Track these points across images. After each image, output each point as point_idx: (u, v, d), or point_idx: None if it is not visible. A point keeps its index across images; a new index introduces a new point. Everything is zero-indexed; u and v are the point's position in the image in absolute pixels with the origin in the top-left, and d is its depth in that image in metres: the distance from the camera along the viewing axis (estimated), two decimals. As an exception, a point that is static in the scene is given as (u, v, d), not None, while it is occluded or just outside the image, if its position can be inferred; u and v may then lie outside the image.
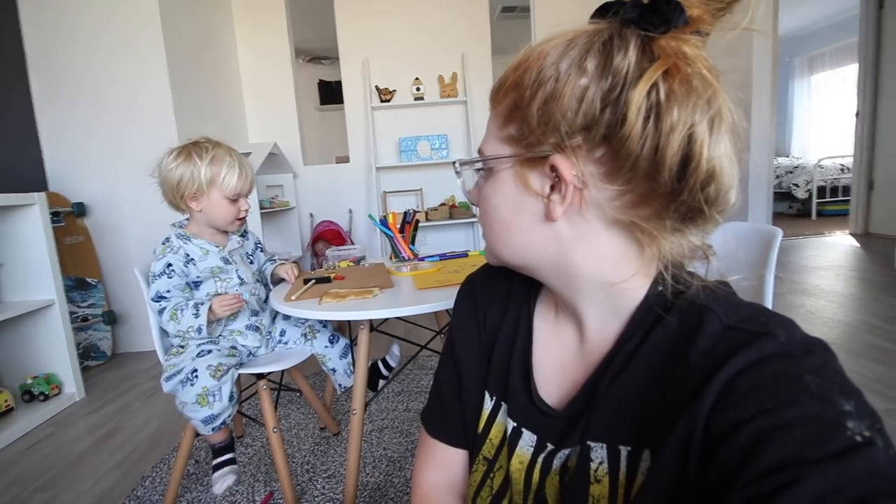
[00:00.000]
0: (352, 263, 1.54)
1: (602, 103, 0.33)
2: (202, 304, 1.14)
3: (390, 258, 1.60)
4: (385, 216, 1.59)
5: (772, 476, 0.25)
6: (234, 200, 1.19)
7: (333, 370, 1.32)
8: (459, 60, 3.44)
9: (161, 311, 1.15)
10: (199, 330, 1.13)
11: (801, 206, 5.72)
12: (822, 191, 5.52)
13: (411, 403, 1.74)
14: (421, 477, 0.55)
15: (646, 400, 0.35)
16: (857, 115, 4.27)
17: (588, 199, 0.36)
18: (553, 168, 0.36)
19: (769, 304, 0.74)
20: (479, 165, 0.42)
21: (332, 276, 1.31)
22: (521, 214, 0.39)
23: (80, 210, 2.43)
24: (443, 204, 3.44)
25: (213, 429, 1.09)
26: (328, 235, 3.32)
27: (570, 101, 0.33)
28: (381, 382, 1.38)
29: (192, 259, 1.18)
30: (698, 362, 0.32)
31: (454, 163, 0.46)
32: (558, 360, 0.45)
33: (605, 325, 0.41)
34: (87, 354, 2.38)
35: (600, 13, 0.36)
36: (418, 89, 3.43)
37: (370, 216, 1.64)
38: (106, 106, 2.45)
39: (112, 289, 2.55)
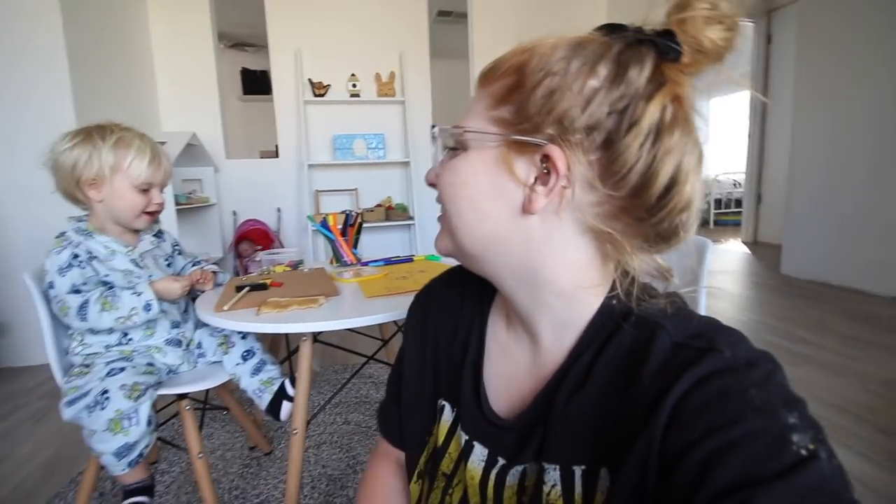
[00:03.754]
0: (289, 268, 1.44)
1: (610, 108, 0.33)
2: (137, 283, 1.00)
3: (331, 262, 1.52)
4: (325, 217, 1.50)
5: (723, 499, 0.26)
6: (144, 192, 1.04)
7: (244, 391, 1.15)
8: (397, 59, 3.39)
9: (83, 307, 0.97)
10: (148, 307, 0.99)
11: (700, 216, 6.35)
12: (718, 202, 6.20)
13: (350, 416, 1.66)
14: (373, 464, 0.59)
15: (600, 416, 0.35)
16: (749, 136, 4.83)
17: (569, 200, 0.36)
18: (545, 158, 0.35)
19: (701, 312, 0.79)
20: (462, 136, 0.40)
21: (269, 282, 1.21)
22: (494, 199, 0.38)
23: (-53, 201, 2.05)
24: (379, 205, 3.36)
25: (128, 463, 0.94)
26: (254, 235, 3.11)
27: (576, 98, 0.33)
28: (287, 407, 1.13)
29: (96, 256, 1.02)
30: (650, 380, 0.33)
31: (433, 127, 0.43)
32: (509, 371, 0.44)
33: (558, 336, 0.40)
34: (-47, 372, 2.01)
35: (602, 30, 0.37)
36: (354, 86, 3.32)
37: (309, 217, 1.55)
38: (-16, 81, 2.08)
39: (-11, 294, 2.18)
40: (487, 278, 0.42)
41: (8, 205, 2.15)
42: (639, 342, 0.35)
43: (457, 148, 0.40)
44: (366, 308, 1.01)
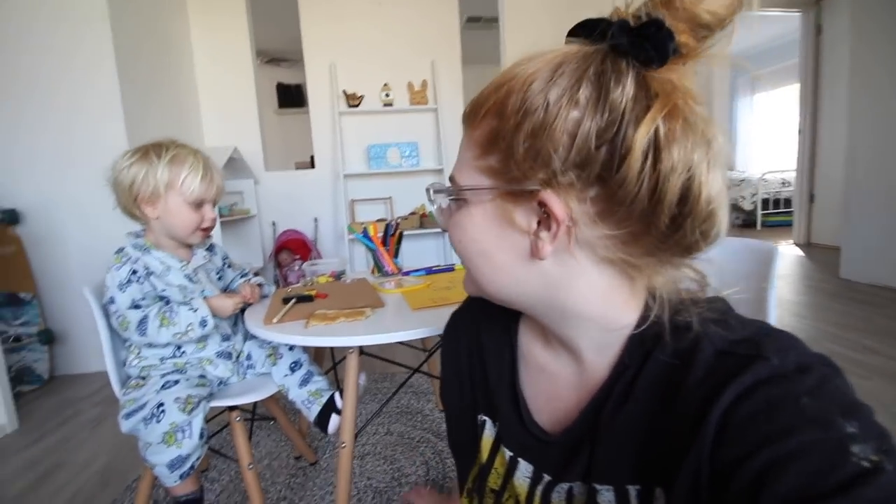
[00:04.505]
0: (331, 279, 1.44)
1: (598, 140, 0.31)
2: (193, 299, 1.02)
3: (372, 272, 1.51)
4: (365, 227, 1.50)
5: None
6: (197, 207, 1.06)
7: (292, 402, 1.15)
8: (429, 67, 3.40)
9: (142, 322, 0.99)
10: (204, 323, 1.01)
11: (747, 217, 6.07)
12: (765, 202, 5.90)
13: (393, 426, 1.65)
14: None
15: (648, 433, 0.35)
16: (800, 132, 4.58)
17: (578, 238, 0.34)
18: (542, 204, 0.34)
19: (772, 319, 0.74)
20: (455, 195, 0.39)
21: (314, 293, 1.21)
22: (503, 250, 0.37)
23: (12, 218, 2.18)
24: (413, 213, 3.36)
25: (180, 475, 0.95)
26: (292, 245, 3.16)
27: (561, 135, 0.32)
28: (335, 420, 1.10)
29: (153, 272, 1.05)
30: (694, 393, 0.31)
31: (427, 189, 0.43)
32: (550, 388, 0.44)
33: (599, 353, 0.39)
34: (19, 378, 2.12)
35: (582, 31, 0.34)
36: (387, 95, 3.35)
37: (349, 227, 1.55)
38: (44, 104, 2.21)
39: (49, 305, 2.30)
40: (520, 311, 0.43)
41: (65, 218, 2.27)
42: (680, 353, 0.34)
43: (458, 200, 0.40)
44: (413, 320, 0.99)
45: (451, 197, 0.40)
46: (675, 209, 0.31)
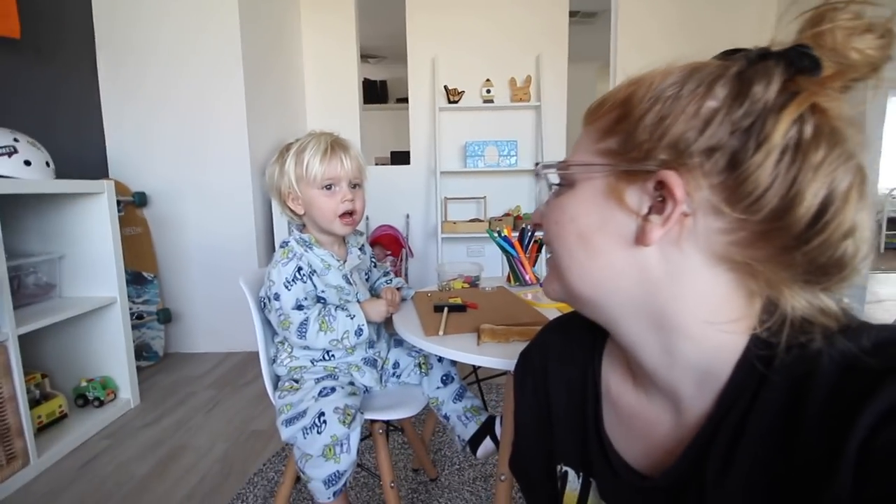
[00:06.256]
0: (466, 284, 1.34)
1: (732, 127, 0.30)
2: (349, 303, 0.98)
3: (508, 281, 1.40)
4: (500, 230, 1.39)
5: None
6: (330, 190, 0.97)
7: (446, 417, 1.08)
8: (534, 63, 3.24)
9: (303, 324, 0.94)
10: (360, 332, 0.96)
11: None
12: (890, 222, 5.21)
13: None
14: None
15: (766, 475, 0.30)
16: (948, 144, 3.97)
17: (690, 229, 0.32)
18: (660, 185, 0.32)
19: None
20: (566, 171, 0.37)
21: (465, 303, 1.11)
22: (604, 231, 0.35)
23: (142, 200, 2.29)
24: (507, 214, 3.24)
25: (334, 493, 0.89)
26: (385, 241, 3.14)
27: (692, 121, 0.31)
28: (489, 447, 1.02)
29: (315, 271, 0.99)
30: (816, 422, 0.27)
31: (536, 164, 0.33)
32: (645, 434, 0.39)
33: (700, 387, 0.34)
34: (138, 354, 2.22)
35: (725, 56, 0.33)
36: (488, 91, 3.23)
37: (489, 231, 1.44)
38: (176, 94, 2.31)
39: (167, 285, 2.40)
40: (605, 326, 0.38)
41: (186, 203, 2.36)
42: (797, 377, 0.29)
43: (563, 184, 0.38)
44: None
45: (561, 172, 0.38)
46: (813, 214, 0.29)
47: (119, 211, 2.18)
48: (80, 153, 2.18)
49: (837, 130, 0.29)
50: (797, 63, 0.29)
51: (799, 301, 0.31)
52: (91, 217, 1.76)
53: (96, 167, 2.26)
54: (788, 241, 0.30)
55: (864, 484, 0.25)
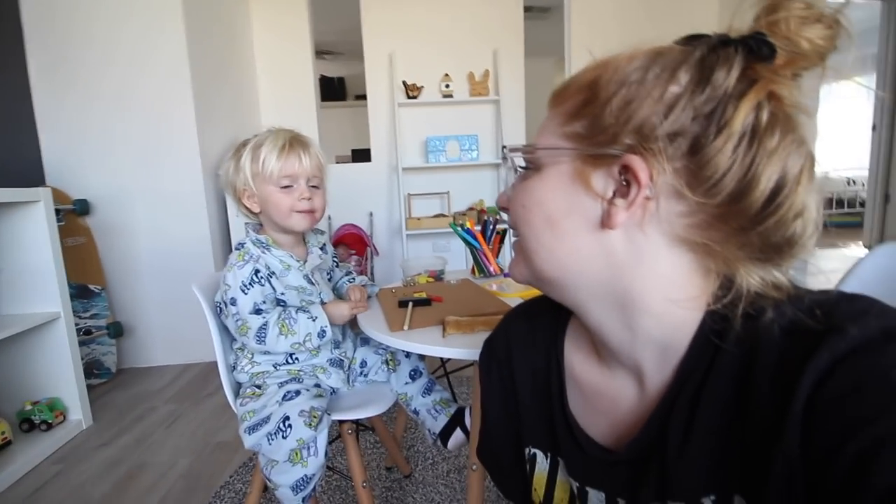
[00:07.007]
0: (431, 279, 1.34)
1: (695, 113, 0.31)
2: (311, 304, 0.95)
3: (472, 273, 1.40)
4: (462, 224, 1.39)
5: None
6: (286, 188, 0.93)
7: (416, 411, 1.07)
8: (491, 57, 3.26)
9: (262, 329, 0.91)
10: (322, 333, 0.93)
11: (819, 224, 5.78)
12: (829, 202, 5.58)
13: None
14: None
15: (722, 438, 0.32)
16: (874, 128, 4.27)
17: (653, 213, 0.33)
18: (624, 169, 0.33)
19: None
20: (533, 154, 0.38)
21: (430, 297, 1.10)
22: (571, 215, 0.35)
23: (83, 208, 2.15)
24: (471, 208, 3.25)
25: (303, 499, 0.86)
26: (348, 240, 3.09)
27: (656, 105, 0.31)
28: (459, 438, 1.01)
29: (273, 273, 0.95)
30: (768, 384, 0.29)
31: (503, 147, 0.36)
32: (610, 410, 0.40)
33: (660, 361, 0.36)
34: (89, 371, 2.10)
35: (686, 42, 0.34)
36: (447, 86, 3.22)
37: (452, 225, 1.44)
38: (116, 93, 2.18)
39: (116, 297, 2.27)
40: (571, 307, 0.39)
41: (134, 210, 2.24)
42: (748, 347, 0.31)
43: (529, 168, 0.38)
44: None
45: (528, 155, 0.38)
46: (766, 197, 0.30)
47: (59, 220, 2.04)
48: (11, 160, 2.02)
49: (791, 117, 0.31)
50: (756, 50, 0.30)
51: (753, 277, 0.33)
52: (27, 228, 1.64)
53: (31, 175, 2.11)
54: (744, 222, 0.31)
55: (810, 437, 0.26)
